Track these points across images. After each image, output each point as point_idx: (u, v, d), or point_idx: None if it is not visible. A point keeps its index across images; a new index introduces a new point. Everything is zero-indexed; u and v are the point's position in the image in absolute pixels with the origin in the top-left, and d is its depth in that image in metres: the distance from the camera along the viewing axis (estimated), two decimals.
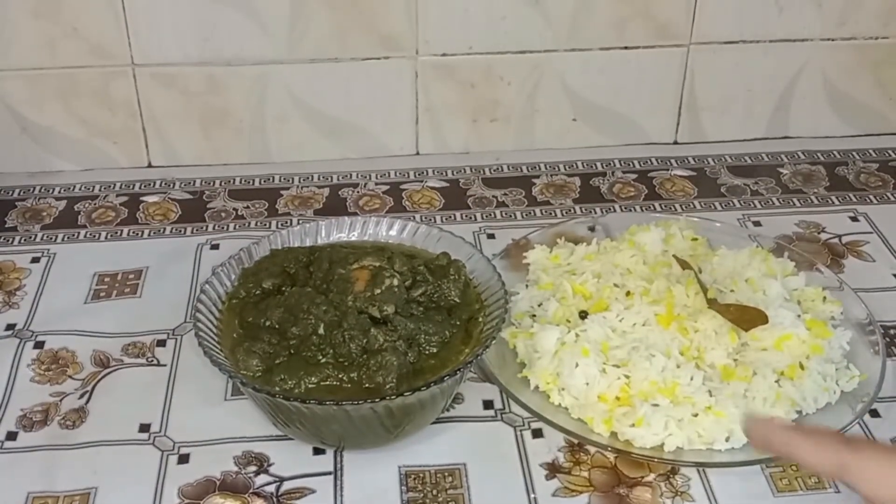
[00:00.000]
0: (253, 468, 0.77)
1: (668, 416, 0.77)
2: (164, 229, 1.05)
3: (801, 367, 0.81)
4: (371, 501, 0.75)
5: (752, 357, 0.82)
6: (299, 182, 1.13)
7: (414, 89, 1.13)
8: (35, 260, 1.00)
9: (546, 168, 1.16)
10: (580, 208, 1.09)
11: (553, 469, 0.78)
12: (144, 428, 0.81)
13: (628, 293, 0.87)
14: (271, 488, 0.76)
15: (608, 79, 1.15)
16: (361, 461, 0.78)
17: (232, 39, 1.08)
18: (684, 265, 0.89)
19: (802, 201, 1.10)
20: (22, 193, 1.11)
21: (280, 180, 1.13)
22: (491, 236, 1.04)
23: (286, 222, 1.06)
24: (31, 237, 1.04)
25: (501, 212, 1.08)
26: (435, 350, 0.78)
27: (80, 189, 1.12)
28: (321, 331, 0.77)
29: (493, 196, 1.11)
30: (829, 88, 1.18)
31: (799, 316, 0.85)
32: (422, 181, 1.13)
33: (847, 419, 0.79)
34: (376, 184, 1.13)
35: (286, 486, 0.76)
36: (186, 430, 0.80)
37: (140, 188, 1.12)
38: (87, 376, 0.86)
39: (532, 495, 0.75)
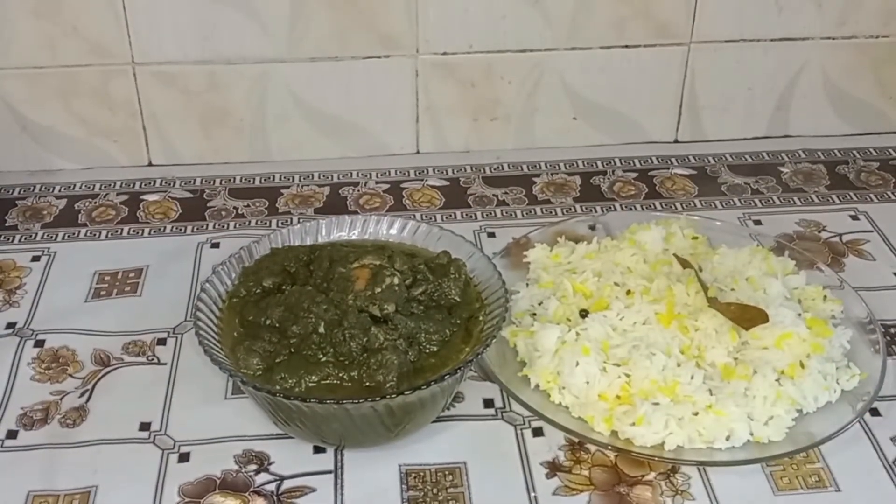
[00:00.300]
0: (253, 467, 0.77)
1: (668, 415, 0.77)
2: (165, 228, 1.05)
3: (802, 365, 0.81)
4: (371, 500, 0.75)
5: (752, 356, 0.82)
6: (300, 181, 1.13)
7: (414, 88, 1.13)
8: (35, 259, 1.00)
9: (546, 167, 1.16)
10: (581, 207, 1.09)
11: (553, 468, 0.78)
12: (145, 426, 0.81)
13: (629, 292, 0.87)
14: (272, 487, 0.76)
15: (609, 78, 1.15)
16: (362, 460, 0.78)
17: (232, 38, 1.08)
18: (685, 264, 0.89)
19: (803, 200, 1.10)
20: (22, 192, 1.11)
21: (280, 179, 1.13)
22: (491, 235, 1.04)
23: (286, 221, 1.06)
24: (31, 236, 1.04)
25: (502, 210, 1.08)
26: (435, 349, 0.78)
27: (80, 188, 1.12)
28: (321, 329, 0.77)
29: (494, 195, 1.11)
30: (830, 87, 1.18)
31: (799, 315, 0.85)
32: (422, 180, 1.13)
33: (847, 418, 0.79)
34: (377, 182, 1.13)
35: (286, 484, 0.76)
36: (187, 428, 0.80)
37: (140, 187, 1.12)
38: (88, 375, 0.86)
39: (532, 494, 0.75)
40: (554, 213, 1.08)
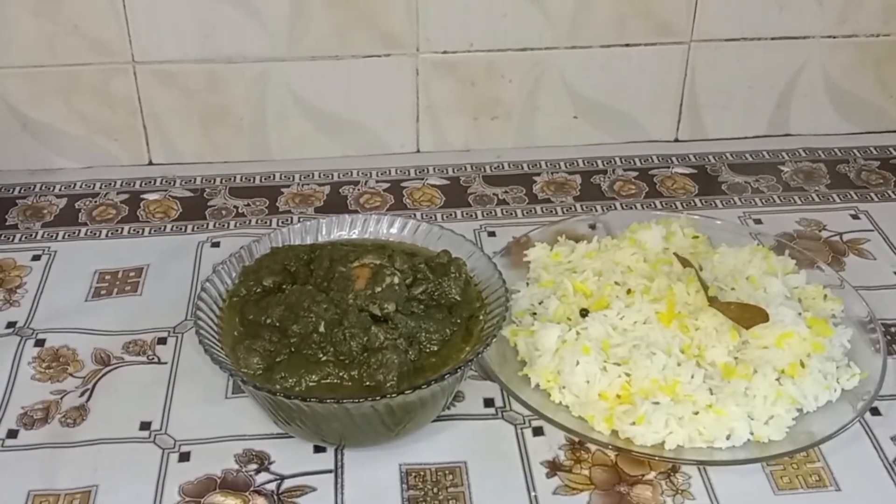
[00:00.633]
0: (254, 466, 0.77)
1: (668, 414, 0.77)
2: (165, 227, 1.05)
3: (802, 365, 0.81)
4: (372, 499, 0.75)
5: (752, 355, 0.82)
6: (300, 180, 1.13)
7: (415, 87, 1.13)
8: (36, 258, 1.00)
9: (547, 166, 1.16)
10: (581, 206, 1.09)
11: (554, 467, 0.78)
12: (145, 426, 0.81)
13: (629, 291, 0.87)
14: (272, 486, 0.76)
15: (609, 76, 1.15)
16: (362, 459, 0.78)
17: (232, 37, 1.08)
18: (685, 263, 0.89)
19: (803, 199, 1.10)
20: (22, 191, 1.11)
21: (281, 178, 1.13)
22: (492, 234, 1.04)
23: (287, 220, 1.06)
24: (31, 235, 1.04)
25: (502, 209, 1.08)
26: (435, 348, 0.78)
27: (80, 187, 1.12)
28: (322, 329, 0.77)
29: (494, 194, 1.11)
30: (830, 86, 1.18)
31: (800, 314, 0.85)
32: (422, 179, 1.13)
33: (848, 417, 0.79)
34: (377, 181, 1.13)
35: (287, 484, 0.76)
36: (187, 427, 0.80)
37: (141, 186, 1.12)
38: (88, 374, 0.86)
39: (532, 493, 0.75)
40: (554, 212, 1.08)
